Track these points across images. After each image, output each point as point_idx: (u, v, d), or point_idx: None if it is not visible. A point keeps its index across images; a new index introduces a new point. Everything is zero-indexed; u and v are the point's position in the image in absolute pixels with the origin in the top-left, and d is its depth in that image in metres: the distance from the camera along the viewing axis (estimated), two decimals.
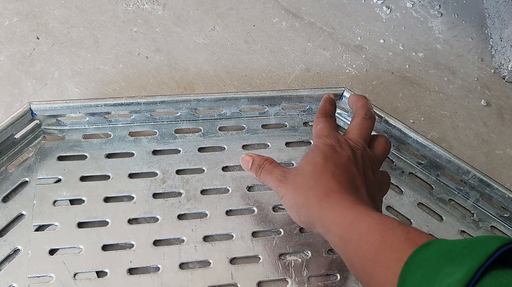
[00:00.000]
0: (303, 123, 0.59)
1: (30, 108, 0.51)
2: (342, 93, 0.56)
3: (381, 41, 0.68)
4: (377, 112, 0.55)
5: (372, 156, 0.48)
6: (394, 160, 0.58)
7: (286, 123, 0.59)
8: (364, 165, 0.45)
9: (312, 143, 0.49)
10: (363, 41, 0.67)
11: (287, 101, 0.57)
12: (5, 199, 0.51)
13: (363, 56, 0.66)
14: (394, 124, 0.55)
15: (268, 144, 0.58)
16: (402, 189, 0.56)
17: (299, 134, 0.59)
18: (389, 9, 0.71)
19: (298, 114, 0.60)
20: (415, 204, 0.56)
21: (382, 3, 0.71)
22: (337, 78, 0.63)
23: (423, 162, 0.57)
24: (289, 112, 0.59)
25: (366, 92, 0.62)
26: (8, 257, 0.48)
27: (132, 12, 0.67)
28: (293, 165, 0.56)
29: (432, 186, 0.57)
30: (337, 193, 0.41)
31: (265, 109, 0.58)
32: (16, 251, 0.48)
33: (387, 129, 0.56)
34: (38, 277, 0.47)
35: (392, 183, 0.55)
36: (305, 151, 0.57)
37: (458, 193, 0.57)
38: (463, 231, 0.55)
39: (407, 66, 0.66)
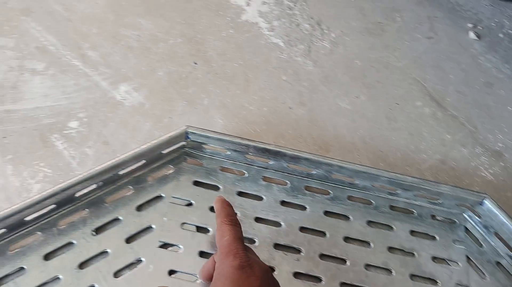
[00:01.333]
0: (431, 216, 0.58)
1: (187, 131, 0.54)
2: (483, 200, 0.55)
3: None
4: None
5: None
6: None
7: (414, 211, 0.58)
8: (275, 282, 0.42)
9: (217, 261, 0.42)
10: (504, 149, 0.66)
11: (424, 191, 0.56)
12: (139, 208, 0.53)
13: (502, 164, 0.65)
14: None
15: (393, 227, 0.57)
16: (486, 276, 0.54)
17: (426, 226, 0.57)
18: None
19: (428, 206, 0.59)
20: None
21: None
22: (472, 179, 0.62)
23: None
24: (420, 201, 0.59)
25: (500, 202, 0.60)
26: (130, 265, 0.50)
27: (284, 61, 0.70)
28: (413, 255, 0.55)
29: None
30: None
31: (397, 191, 0.58)
32: (138, 261, 0.50)
33: None
34: None
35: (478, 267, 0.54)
36: (428, 245, 0.56)
37: None
38: None
39: None
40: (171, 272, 0.50)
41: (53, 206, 0.50)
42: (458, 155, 0.65)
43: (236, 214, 0.48)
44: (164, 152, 0.55)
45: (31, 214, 0.48)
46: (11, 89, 0.61)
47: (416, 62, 0.73)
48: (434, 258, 0.55)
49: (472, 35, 0.78)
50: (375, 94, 0.69)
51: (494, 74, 0.74)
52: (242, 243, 0.43)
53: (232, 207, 0.48)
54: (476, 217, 0.58)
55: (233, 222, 0.45)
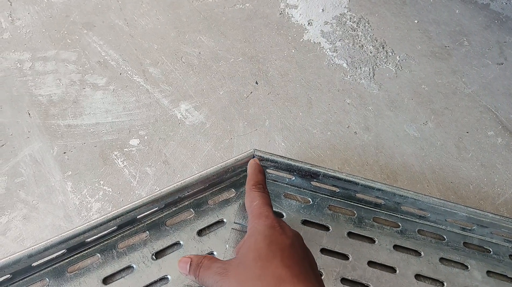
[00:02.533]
0: (509, 256, 0.54)
1: (254, 155, 0.52)
2: None
3: None
4: None
5: None
6: None
7: (490, 249, 0.54)
8: (305, 246, 0.42)
9: (248, 223, 0.42)
10: None
11: (506, 230, 0.52)
12: (200, 232, 0.51)
13: None
14: None
15: (468, 265, 0.53)
16: None
17: (503, 266, 0.53)
18: None
19: (505, 244, 0.54)
20: None
21: None
22: None
23: None
24: (496, 238, 0.54)
25: None
26: None
27: (348, 83, 0.67)
28: None
29: None
30: (289, 282, 0.35)
31: (473, 227, 0.54)
32: None
33: None
34: None
35: None
36: None
37: None
38: None
39: None
40: None
41: (114, 228, 0.48)
42: None
43: (265, 177, 0.49)
44: (227, 175, 0.53)
45: (92, 236, 0.47)
46: (72, 104, 0.60)
47: (486, 89, 0.70)
48: None
49: None
50: (444, 121, 0.65)
51: None
52: (271, 208, 0.44)
53: (264, 174, 0.48)
54: None
55: (262, 189, 0.46)
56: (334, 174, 0.52)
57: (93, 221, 0.45)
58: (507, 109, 0.68)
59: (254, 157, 0.52)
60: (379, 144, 0.61)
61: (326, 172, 0.52)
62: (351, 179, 0.51)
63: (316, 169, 0.52)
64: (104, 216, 0.46)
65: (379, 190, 0.52)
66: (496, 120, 0.66)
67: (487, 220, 0.51)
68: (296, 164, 0.52)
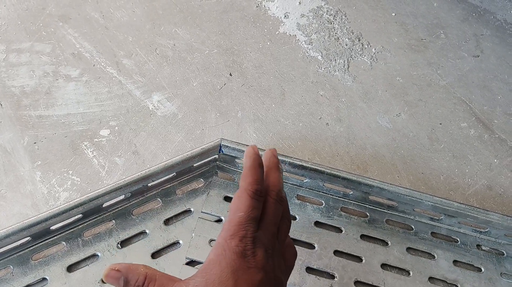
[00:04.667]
0: (477, 246, 0.54)
1: (221, 145, 0.52)
2: None
3: None
4: None
5: (281, 260, 0.39)
6: None
7: (458, 239, 0.54)
8: (275, 268, 0.37)
9: (219, 236, 0.36)
10: None
11: (471, 219, 0.52)
12: (167, 221, 0.51)
13: None
14: None
15: (435, 255, 0.53)
16: None
17: (470, 256, 0.53)
18: None
19: (473, 234, 0.55)
20: None
21: None
22: None
23: None
24: (464, 228, 0.55)
25: None
26: None
27: (322, 75, 0.67)
28: None
29: None
30: None
31: (440, 217, 0.54)
32: None
33: None
34: None
35: None
36: (473, 277, 0.52)
37: None
38: None
39: None
40: None
41: (79, 216, 0.48)
42: (507, 181, 0.60)
43: (277, 180, 0.40)
44: (195, 164, 0.53)
45: (57, 223, 0.47)
46: (45, 95, 0.60)
47: (461, 81, 0.70)
48: None
49: None
50: (417, 112, 0.65)
51: None
52: (255, 225, 0.36)
53: (261, 165, 0.40)
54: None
55: (257, 193, 0.37)
56: (300, 163, 0.52)
57: (56, 208, 0.45)
58: (481, 101, 0.68)
59: (220, 146, 0.52)
60: (350, 135, 0.62)
61: (292, 161, 0.52)
62: (317, 167, 0.52)
63: (282, 158, 0.52)
64: (67, 203, 0.46)
65: (344, 179, 0.52)
66: (470, 112, 0.67)
67: (452, 209, 0.51)
68: (262, 153, 0.52)
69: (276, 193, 0.39)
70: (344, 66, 0.68)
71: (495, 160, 0.62)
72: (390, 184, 0.52)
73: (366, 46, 0.72)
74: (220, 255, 0.35)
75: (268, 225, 0.38)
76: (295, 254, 0.42)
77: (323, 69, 0.68)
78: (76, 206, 0.46)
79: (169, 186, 0.53)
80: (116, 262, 0.47)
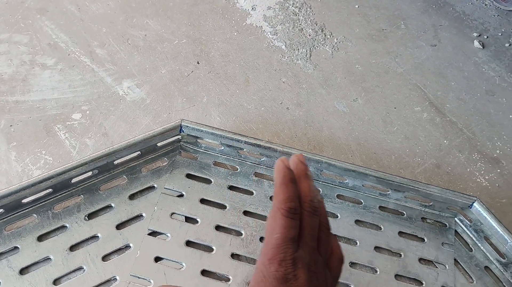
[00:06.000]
0: (421, 218, 0.58)
1: (181, 125, 0.56)
2: (473, 203, 0.55)
3: None
4: (504, 234, 0.53)
5: (326, 273, 0.37)
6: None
7: (404, 212, 0.59)
8: (320, 285, 0.35)
9: (258, 261, 0.35)
10: (502, 156, 0.66)
11: (413, 192, 0.56)
12: (132, 196, 0.55)
13: (498, 170, 0.64)
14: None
15: (381, 227, 0.57)
16: (474, 280, 0.53)
17: (415, 227, 0.57)
18: None
19: (419, 208, 0.59)
20: None
21: None
22: (466, 184, 0.62)
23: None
24: (410, 203, 0.59)
25: (493, 208, 0.59)
26: (118, 250, 0.51)
27: (285, 64, 0.71)
28: (401, 255, 0.55)
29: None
30: None
31: (388, 192, 0.58)
32: (127, 247, 0.52)
33: (509, 254, 0.53)
34: (139, 278, 0.49)
35: (465, 271, 0.55)
36: (416, 246, 0.56)
37: None
38: None
39: None
40: (158, 259, 0.51)
41: (49, 190, 0.52)
42: (454, 160, 0.64)
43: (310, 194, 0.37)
44: (159, 144, 0.57)
45: (28, 196, 0.51)
46: (22, 82, 0.64)
47: (417, 69, 0.74)
48: (421, 260, 0.55)
49: (477, 44, 0.78)
50: (373, 98, 0.69)
51: (497, 83, 0.74)
52: (293, 245, 0.34)
53: (294, 181, 0.37)
54: (467, 221, 0.57)
55: (292, 211, 0.35)
56: (255, 142, 0.56)
57: (25, 181, 0.49)
58: (436, 87, 0.72)
59: (181, 126, 0.56)
60: (309, 119, 0.66)
61: (247, 140, 0.56)
62: (269, 145, 0.56)
63: (240, 137, 0.56)
64: (36, 177, 0.50)
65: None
66: (424, 97, 0.71)
67: (395, 182, 0.56)
68: (220, 133, 0.56)
69: (308, 204, 0.37)
70: (306, 55, 0.73)
71: (445, 141, 0.66)
72: (338, 160, 0.56)
73: (329, 36, 0.76)
74: (261, 282, 0.33)
75: (306, 241, 0.36)
76: (340, 259, 0.40)
77: (286, 58, 0.72)
78: (45, 179, 0.50)
79: (134, 164, 0.57)
80: (83, 232, 0.52)
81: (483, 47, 0.78)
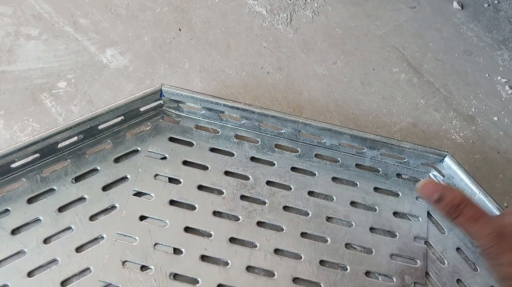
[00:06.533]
0: (397, 175, 0.61)
1: (161, 89, 0.58)
2: (444, 157, 0.57)
3: (495, 118, 0.68)
4: (472, 187, 0.55)
5: None
6: None
7: (380, 169, 0.61)
8: None
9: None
10: (477, 113, 0.68)
11: (387, 149, 0.59)
12: (116, 160, 0.57)
13: (473, 127, 0.66)
14: (487, 203, 0.54)
15: (357, 183, 0.59)
16: (478, 268, 0.55)
17: (390, 183, 0.60)
18: None
19: (394, 164, 0.61)
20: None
21: (506, 82, 0.71)
22: (441, 142, 0.64)
23: None
24: (386, 160, 0.61)
25: (466, 164, 0.62)
26: (105, 210, 0.54)
27: (266, 29, 0.73)
28: (376, 210, 0.58)
29: None
30: None
31: (363, 150, 0.60)
32: (113, 207, 0.54)
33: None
34: (125, 236, 0.52)
35: (468, 259, 0.55)
36: (391, 201, 0.58)
37: None
38: None
39: None
40: (143, 218, 0.54)
41: (37, 155, 0.54)
42: (430, 118, 0.66)
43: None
44: (142, 109, 0.59)
45: (16, 161, 0.53)
46: (7, 53, 0.65)
47: (396, 31, 0.75)
48: (395, 213, 0.58)
49: (456, 5, 0.79)
50: (353, 60, 0.71)
51: (475, 43, 0.75)
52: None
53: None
54: (440, 176, 0.60)
55: (480, 213, 0.37)
56: (233, 104, 0.58)
57: (12, 146, 0.51)
58: (414, 49, 0.73)
59: (161, 91, 0.58)
60: (289, 82, 0.67)
61: (226, 103, 0.58)
62: (247, 107, 0.58)
63: (217, 100, 0.58)
64: (24, 141, 0.52)
65: (273, 117, 0.58)
66: (403, 58, 0.72)
67: (369, 139, 0.58)
68: (199, 96, 0.58)
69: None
70: (287, 20, 0.74)
71: (422, 100, 0.68)
72: (313, 119, 0.58)
73: (309, 1, 0.77)
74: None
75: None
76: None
77: (267, 23, 0.73)
78: (31, 144, 0.52)
79: (119, 129, 0.59)
80: (70, 195, 0.54)
81: (462, 8, 0.79)
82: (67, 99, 0.62)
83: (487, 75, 0.72)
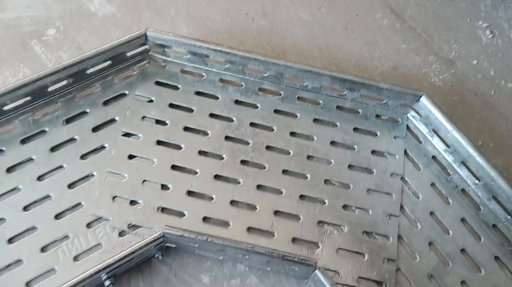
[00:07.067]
0: (376, 116, 0.63)
1: (146, 33, 0.59)
2: (420, 97, 0.59)
3: (474, 62, 0.69)
4: (447, 125, 0.57)
5: None
6: (451, 173, 0.60)
7: (360, 110, 0.63)
8: None
9: None
10: (457, 57, 0.69)
11: (366, 90, 0.61)
12: (105, 103, 0.60)
13: (452, 71, 0.68)
14: (460, 140, 0.57)
15: (338, 124, 0.62)
16: (450, 201, 0.59)
17: (369, 123, 0.62)
18: (492, 34, 0.72)
19: (374, 106, 0.63)
20: (458, 219, 0.58)
21: (486, 27, 0.72)
22: (421, 84, 0.66)
23: (478, 183, 0.58)
24: (366, 101, 0.63)
25: (444, 105, 0.64)
26: (95, 150, 0.57)
27: None
28: (354, 149, 0.60)
29: (481, 207, 0.59)
30: None
31: (344, 93, 0.62)
32: (102, 147, 0.57)
33: (452, 143, 0.58)
34: (114, 173, 0.55)
35: (442, 194, 0.58)
36: (370, 140, 0.61)
37: (504, 222, 0.58)
38: (497, 258, 0.56)
39: (492, 92, 0.68)
40: (131, 157, 0.56)
41: (28, 98, 0.56)
42: (411, 62, 0.68)
43: None
44: (129, 54, 0.61)
45: (8, 103, 0.55)
46: None
47: None
48: (373, 152, 0.61)
49: None
50: (337, 6, 0.72)
51: None
52: None
53: None
54: (418, 115, 0.62)
55: None
56: (216, 47, 0.59)
57: (5, 87, 0.53)
58: None
59: (146, 35, 0.59)
60: (273, 28, 0.69)
61: (209, 46, 0.60)
62: (230, 51, 0.59)
63: (200, 44, 0.59)
64: (12, 84, 0.54)
65: (255, 59, 0.60)
66: (385, 4, 0.73)
67: (348, 79, 0.60)
68: (183, 40, 0.59)
69: None
70: None
71: (403, 45, 0.70)
72: (294, 62, 0.60)
73: None
74: None
75: None
76: None
77: None
78: (21, 86, 0.54)
79: (107, 73, 0.61)
80: (61, 136, 0.56)
81: None
82: (56, 46, 0.64)
83: (468, 20, 0.73)
